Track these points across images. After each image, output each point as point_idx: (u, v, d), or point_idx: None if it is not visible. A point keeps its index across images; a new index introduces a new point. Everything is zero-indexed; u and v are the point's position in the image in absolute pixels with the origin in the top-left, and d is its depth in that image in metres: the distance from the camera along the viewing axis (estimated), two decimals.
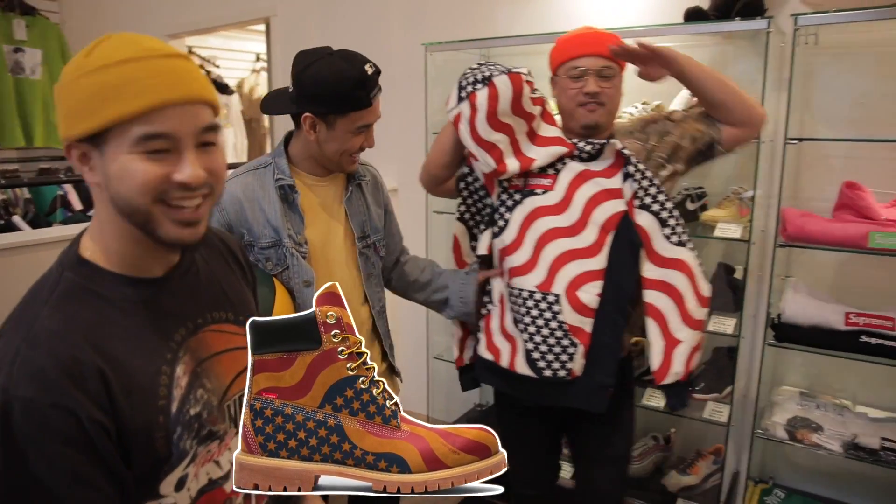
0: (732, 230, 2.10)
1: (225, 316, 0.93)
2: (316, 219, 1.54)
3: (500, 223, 1.59)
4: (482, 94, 1.47)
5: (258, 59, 5.55)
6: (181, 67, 0.77)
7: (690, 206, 2.29)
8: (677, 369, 1.51)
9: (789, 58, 1.95)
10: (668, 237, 1.50)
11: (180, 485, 0.83)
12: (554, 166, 1.55)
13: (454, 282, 1.72)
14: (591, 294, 1.51)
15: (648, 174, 1.51)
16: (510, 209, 1.58)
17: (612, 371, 1.53)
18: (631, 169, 1.50)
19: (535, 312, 1.52)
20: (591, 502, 1.76)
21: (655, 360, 1.53)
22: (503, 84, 1.47)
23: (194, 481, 0.86)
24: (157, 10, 4.02)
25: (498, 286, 1.64)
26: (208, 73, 4.99)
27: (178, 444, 0.82)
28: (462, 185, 1.73)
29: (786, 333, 2.02)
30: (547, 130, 1.57)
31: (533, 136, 1.55)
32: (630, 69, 1.60)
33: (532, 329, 1.52)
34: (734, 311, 2.20)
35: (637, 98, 2.35)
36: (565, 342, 1.51)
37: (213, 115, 0.80)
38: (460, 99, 1.52)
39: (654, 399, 2.23)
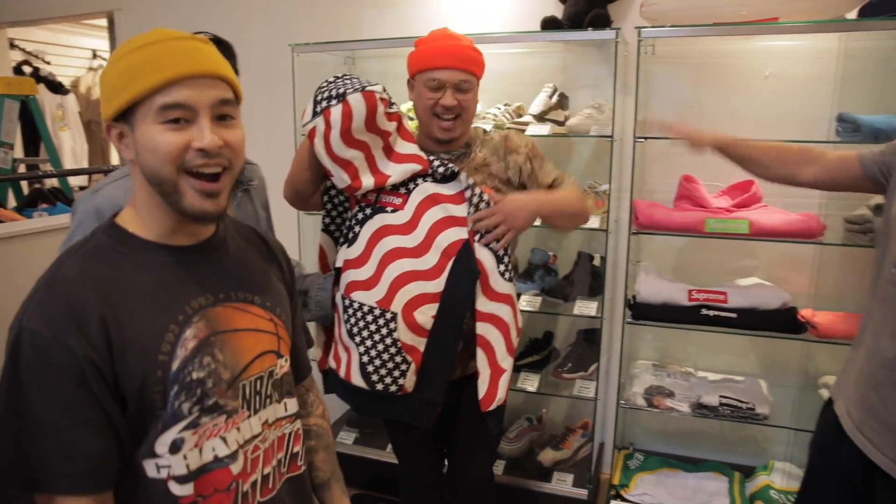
0: (591, 221, 2.29)
1: (251, 298, 0.96)
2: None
3: (350, 235, 1.62)
4: (336, 112, 1.46)
5: (95, 56, 5.13)
6: (196, 47, 0.86)
7: None
8: (500, 395, 1.59)
9: (634, 65, 2.18)
10: (502, 273, 1.58)
11: (175, 447, 0.85)
12: (406, 185, 1.58)
13: (313, 286, 1.76)
14: (426, 315, 1.55)
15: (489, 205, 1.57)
16: (360, 223, 1.60)
17: (442, 390, 1.58)
18: (476, 200, 1.55)
19: (372, 327, 1.55)
20: (466, 483, 1.83)
21: (482, 389, 1.58)
22: (357, 102, 1.46)
23: (194, 451, 0.86)
24: None
25: (334, 296, 1.67)
26: (36, 69, 4.51)
27: (173, 403, 0.84)
28: (326, 197, 1.72)
29: (641, 312, 2.26)
30: (403, 147, 1.58)
31: (389, 152, 1.56)
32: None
33: (368, 343, 1.55)
34: (595, 295, 2.42)
35: (500, 99, 2.50)
36: (398, 359, 1.55)
37: (229, 91, 0.88)
38: (315, 113, 1.51)
39: (528, 382, 2.39)
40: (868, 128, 1.97)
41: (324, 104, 1.49)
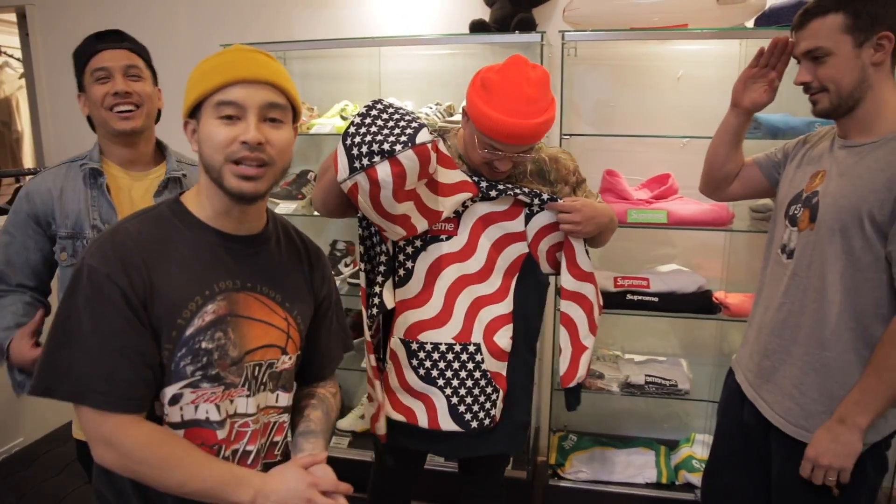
0: None
1: (273, 295, 1.07)
2: (126, 211, 1.49)
3: (401, 272, 1.48)
4: (384, 171, 1.28)
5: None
6: (256, 58, 0.99)
7: None
8: (581, 373, 1.57)
9: (558, 66, 2.30)
10: (587, 252, 1.54)
11: (174, 400, 0.97)
12: (455, 209, 1.47)
13: None
14: (505, 338, 1.50)
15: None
16: (412, 257, 1.47)
17: (528, 409, 1.57)
18: (535, 209, 1.49)
19: (456, 365, 1.47)
20: (482, 489, 1.80)
21: (563, 365, 1.56)
22: (410, 161, 1.28)
23: (190, 407, 0.98)
24: None
25: (388, 343, 1.52)
26: None
27: (178, 363, 0.96)
28: (360, 229, 1.53)
29: None
30: (447, 176, 1.43)
31: (436, 187, 1.41)
32: None
33: (455, 382, 1.47)
34: None
35: (431, 99, 2.57)
36: (489, 390, 1.49)
37: (280, 97, 0.99)
38: (354, 169, 1.31)
39: None
40: (767, 125, 2.17)
41: (365, 161, 1.29)
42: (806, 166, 1.49)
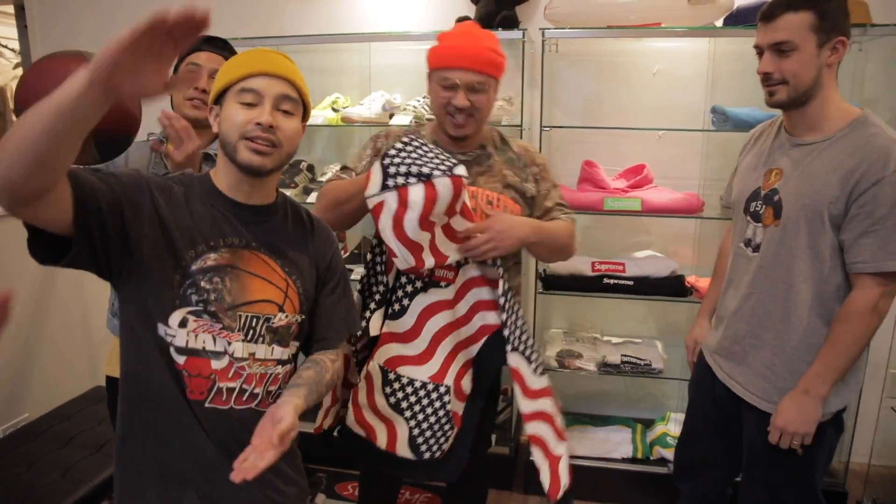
0: None
1: (275, 258, 1.20)
2: None
3: (396, 307, 1.56)
4: (417, 193, 1.34)
5: None
6: (273, 57, 1.16)
7: None
8: (565, 481, 1.58)
9: (539, 62, 2.42)
10: (534, 371, 1.57)
11: (183, 323, 1.10)
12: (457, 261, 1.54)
13: None
14: (468, 381, 1.59)
15: (518, 311, 1.57)
16: (409, 296, 1.55)
17: (468, 445, 1.63)
18: (502, 302, 1.51)
19: (425, 401, 1.56)
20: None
21: (545, 481, 1.57)
22: (444, 187, 1.35)
23: (192, 335, 1.11)
24: None
25: (366, 364, 1.60)
26: None
27: (185, 291, 1.10)
28: (369, 256, 1.63)
29: (551, 283, 2.52)
30: (462, 225, 1.49)
31: (450, 233, 1.48)
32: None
33: (420, 416, 1.56)
34: None
35: (419, 92, 2.69)
36: (447, 427, 1.58)
37: (292, 91, 1.15)
38: (386, 187, 1.36)
39: None
40: (735, 118, 2.30)
41: (399, 180, 1.34)
42: (757, 163, 1.61)
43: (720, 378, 1.67)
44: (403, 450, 1.59)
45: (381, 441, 1.59)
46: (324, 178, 2.74)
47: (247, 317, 1.15)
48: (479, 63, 1.52)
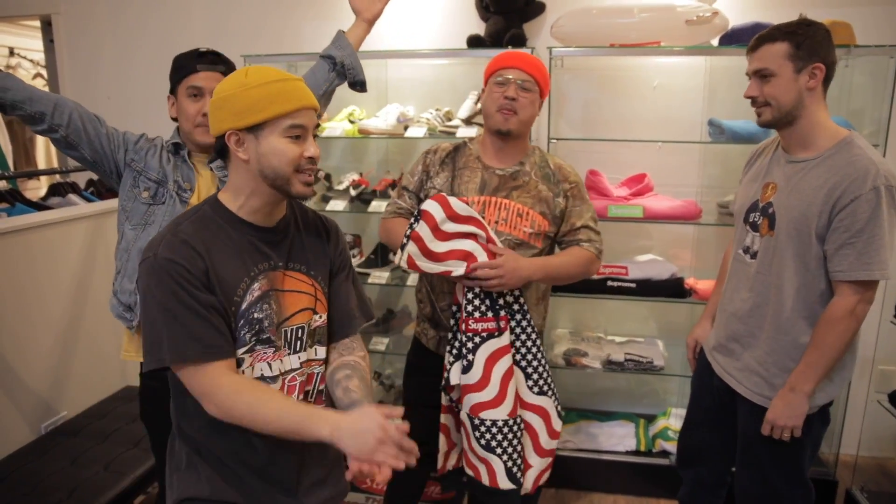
0: None
1: (300, 267, 1.29)
2: (202, 185, 1.73)
3: (464, 362, 1.76)
4: (419, 224, 1.70)
5: (13, 53, 5.03)
6: (303, 88, 1.20)
7: None
8: (527, 486, 1.84)
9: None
10: (530, 388, 1.82)
11: (238, 364, 1.19)
12: (504, 308, 1.77)
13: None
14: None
15: (531, 333, 1.81)
16: (472, 351, 1.75)
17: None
18: (514, 326, 1.79)
19: (510, 436, 1.76)
20: None
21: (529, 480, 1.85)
22: (431, 206, 1.71)
23: (249, 369, 1.21)
24: None
25: (458, 412, 1.84)
26: None
27: (240, 332, 1.18)
28: (452, 321, 1.85)
29: (558, 286, 2.64)
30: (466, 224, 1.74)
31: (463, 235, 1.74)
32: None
33: (510, 450, 1.77)
34: None
35: (432, 105, 2.82)
36: (525, 453, 1.84)
37: (316, 117, 1.22)
38: (403, 246, 1.71)
39: None
40: (730, 131, 2.44)
41: (408, 232, 1.71)
42: (757, 176, 1.76)
43: (717, 373, 1.81)
44: (505, 483, 1.78)
45: (485, 479, 1.79)
46: (340, 187, 2.87)
47: (291, 330, 1.25)
48: (529, 66, 1.78)
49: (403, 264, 1.72)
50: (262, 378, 1.21)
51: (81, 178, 3.18)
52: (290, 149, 1.17)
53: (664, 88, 2.72)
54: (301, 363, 1.28)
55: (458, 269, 1.71)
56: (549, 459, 1.88)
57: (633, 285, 2.59)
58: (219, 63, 1.69)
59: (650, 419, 2.87)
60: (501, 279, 1.69)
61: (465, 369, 1.76)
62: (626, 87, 2.78)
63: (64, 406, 2.53)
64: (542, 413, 1.84)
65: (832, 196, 1.53)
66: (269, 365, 1.22)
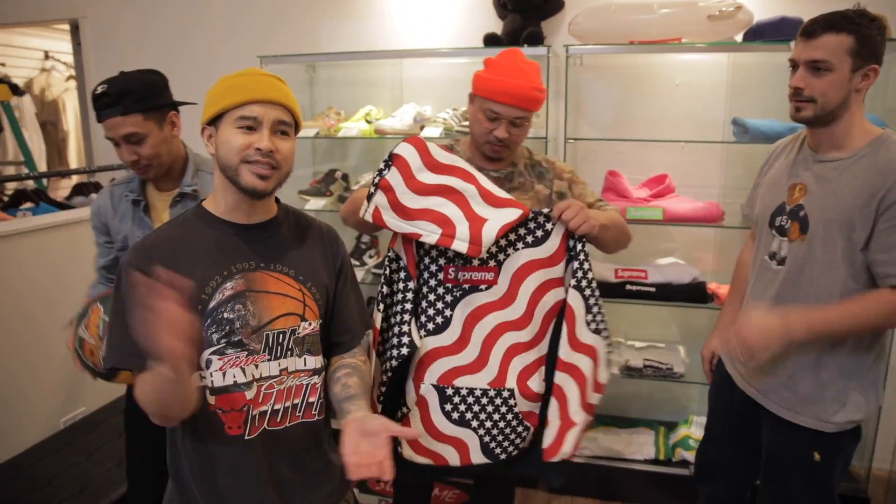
0: None
1: (287, 270, 1.24)
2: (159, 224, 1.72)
3: (439, 320, 1.54)
4: (391, 172, 1.45)
5: (47, 57, 5.17)
6: (267, 81, 1.19)
7: None
8: (566, 449, 1.52)
9: (564, 75, 2.51)
10: (588, 323, 1.52)
11: (207, 364, 1.16)
12: (496, 257, 1.52)
13: None
14: (538, 381, 1.55)
15: (588, 255, 1.53)
16: (450, 306, 1.53)
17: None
18: (577, 249, 1.51)
19: (490, 408, 1.54)
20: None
21: (548, 439, 1.53)
22: (404, 150, 1.46)
23: (218, 373, 1.16)
24: None
25: (418, 389, 1.57)
26: None
27: (206, 331, 1.16)
28: (388, 270, 1.57)
29: None
30: (500, 192, 1.50)
31: (487, 196, 1.48)
32: None
33: (488, 423, 1.55)
34: None
35: (449, 104, 2.80)
36: (520, 428, 1.57)
37: (286, 115, 1.19)
38: (370, 196, 1.46)
39: None
40: (754, 130, 2.36)
41: (376, 179, 1.46)
42: (779, 178, 1.65)
43: (739, 385, 1.72)
44: (478, 458, 1.58)
45: (453, 461, 1.59)
46: (357, 187, 2.87)
47: (272, 334, 1.19)
48: (524, 101, 1.60)
49: (369, 217, 1.46)
50: (235, 384, 1.17)
51: (104, 179, 3.25)
52: (237, 138, 1.16)
53: (686, 87, 2.63)
54: (280, 371, 1.22)
55: (431, 235, 1.43)
56: (590, 417, 1.57)
57: (653, 289, 2.52)
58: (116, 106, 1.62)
59: (671, 427, 2.80)
60: (583, 216, 1.48)
61: (439, 329, 1.53)
62: (646, 85, 2.70)
63: (83, 401, 2.58)
64: (594, 355, 1.53)
65: (875, 196, 1.43)
66: (243, 370, 1.17)
